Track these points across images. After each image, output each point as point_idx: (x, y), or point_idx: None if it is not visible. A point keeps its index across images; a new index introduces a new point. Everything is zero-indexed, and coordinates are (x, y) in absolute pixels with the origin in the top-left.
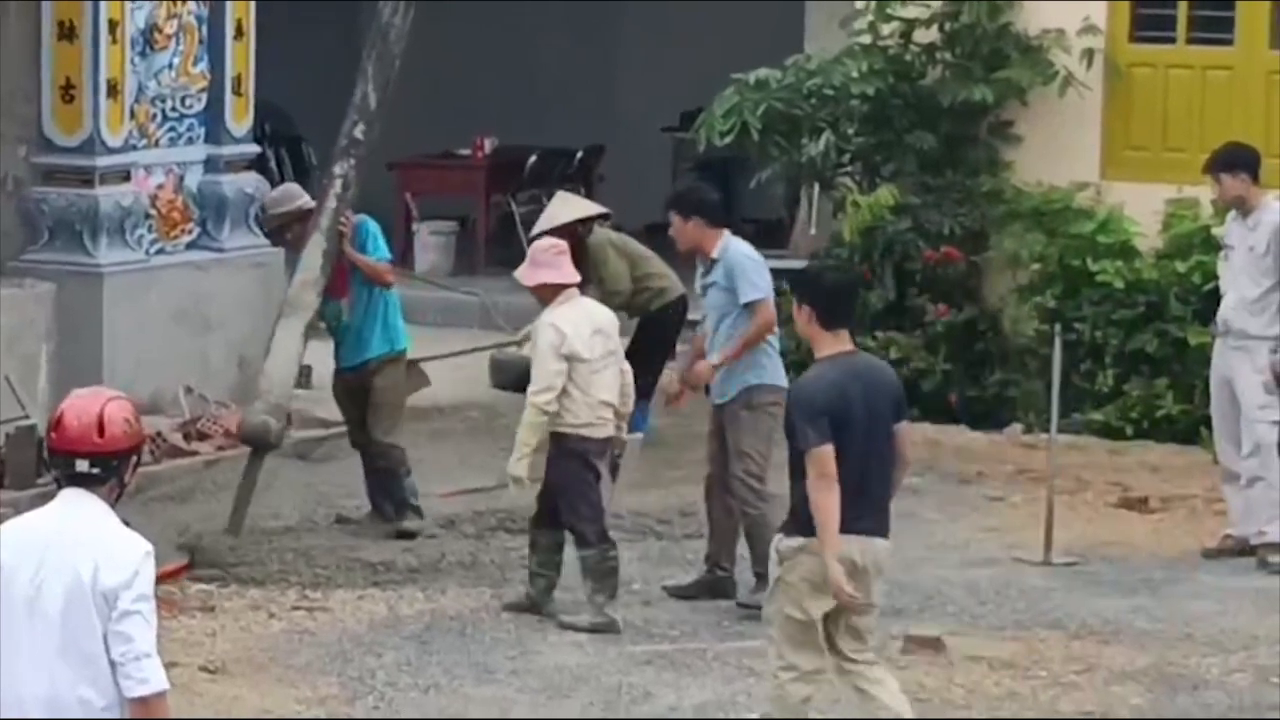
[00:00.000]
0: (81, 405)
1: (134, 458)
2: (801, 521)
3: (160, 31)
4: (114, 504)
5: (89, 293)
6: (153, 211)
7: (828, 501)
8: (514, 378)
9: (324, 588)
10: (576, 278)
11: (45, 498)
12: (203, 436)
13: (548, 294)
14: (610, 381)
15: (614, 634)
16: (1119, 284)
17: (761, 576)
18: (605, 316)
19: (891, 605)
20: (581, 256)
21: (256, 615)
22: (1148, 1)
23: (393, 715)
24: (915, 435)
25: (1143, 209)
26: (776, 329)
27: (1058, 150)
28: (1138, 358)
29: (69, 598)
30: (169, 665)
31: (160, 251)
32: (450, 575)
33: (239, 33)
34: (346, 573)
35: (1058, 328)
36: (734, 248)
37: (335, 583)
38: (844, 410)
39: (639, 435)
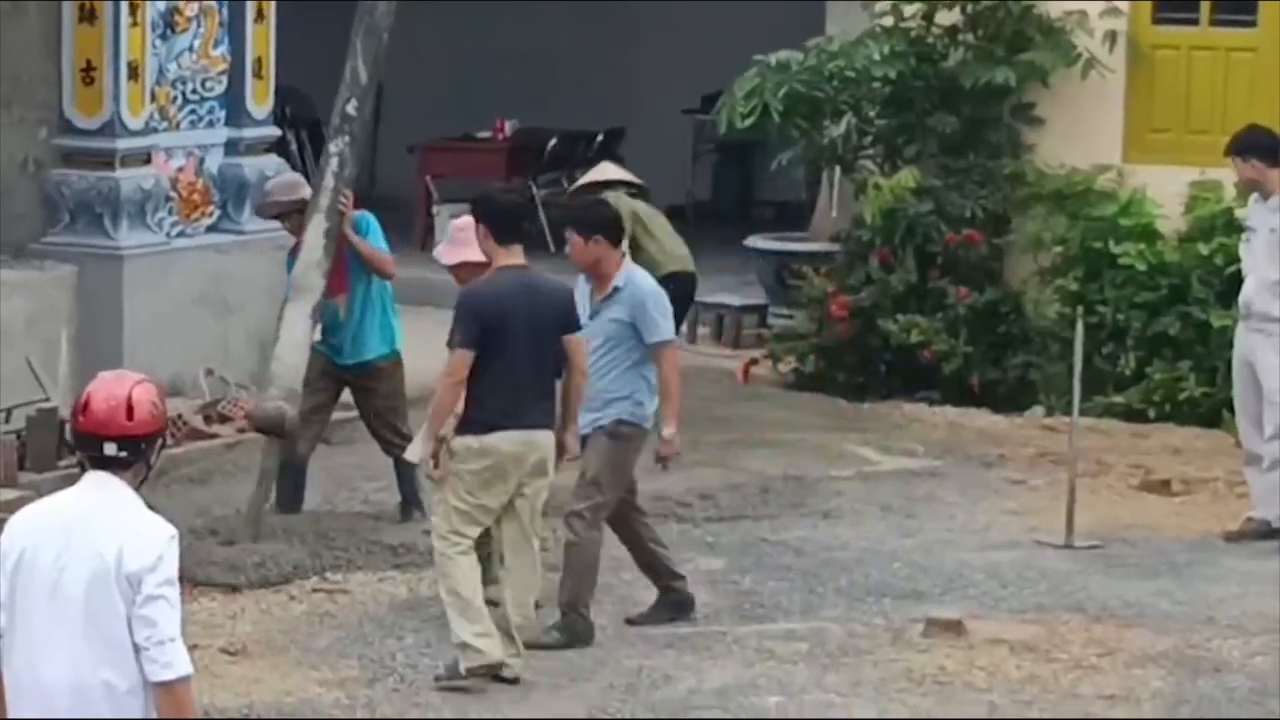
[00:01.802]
0: (109, 388)
1: (159, 441)
2: (473, 420)
3: (181, 14)
4: (139, 488)
5: (109, 275)
6: (173, 194)
7: (448, 398)
8: None
9: (344, 570)
10: None
11: (66, 480)
12: (223, 419)
13: (468, 274)
14: None
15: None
16: (1141, 266)
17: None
18: None
19: (913, 588)
20: None
21: (277, 597)
22: None
23: (412, 697)
24: (938, 418)
25: (1165, 191)
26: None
27: (1080, 133)
28: (1160, 340)
29: (92, 581)
30: (190, 647)
31: (181, 234)
32: None
33: (260, 16)
34: (367, 555)
35: (1079, 310)
36: (640, 279)
37: (356, 565)
38: (502, 316)
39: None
